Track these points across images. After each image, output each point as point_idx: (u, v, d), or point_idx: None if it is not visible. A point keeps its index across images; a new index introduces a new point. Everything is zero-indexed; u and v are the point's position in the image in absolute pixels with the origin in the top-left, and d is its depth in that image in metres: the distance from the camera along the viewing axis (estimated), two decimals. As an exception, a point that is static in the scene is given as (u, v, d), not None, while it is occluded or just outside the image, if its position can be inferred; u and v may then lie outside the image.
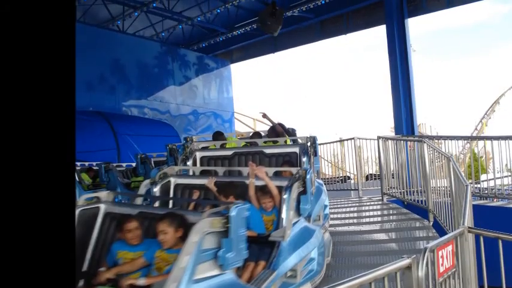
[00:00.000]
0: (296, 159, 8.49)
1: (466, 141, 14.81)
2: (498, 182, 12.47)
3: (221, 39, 30.07)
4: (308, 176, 6.61)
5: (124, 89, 25.50)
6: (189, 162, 8.86)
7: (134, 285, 4.58)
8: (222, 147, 9.75)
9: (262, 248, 5.69)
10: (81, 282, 5.07)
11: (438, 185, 11.15)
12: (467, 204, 6.66)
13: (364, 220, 11.60)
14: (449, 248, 5.20)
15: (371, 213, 12.38)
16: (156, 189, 7.17)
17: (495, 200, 12.55)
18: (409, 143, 13.40)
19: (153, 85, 27.10)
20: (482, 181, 14.14)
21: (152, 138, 22.43)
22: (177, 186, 7.44)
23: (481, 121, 52.32)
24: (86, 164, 16.58)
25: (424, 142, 11.21)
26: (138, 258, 4.87)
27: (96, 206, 5.63)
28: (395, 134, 21.95)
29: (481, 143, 17.93)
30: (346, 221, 11.56)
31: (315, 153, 8.81)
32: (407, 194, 12.67)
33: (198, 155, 9.08)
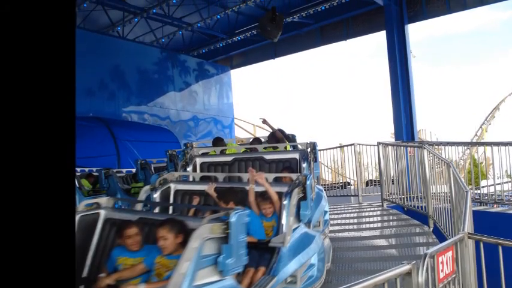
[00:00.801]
0: (296, 165, 8.48)
1: (466, 147, 14.80)
2: (498, 188, 12.46)
3: (221, 45, 30.13)
4: (308, 182, 6.61)
5: (124, 95, 25.55)
6: (189, 168, 8.86)
7: (134, 291, 4.58)
8: (222, 153, 9.75)
9: (262, 254, 5.69)
10: (81, 288, 5.07)
11: (438, 191, 11.15)
12: (467, 210, 6.66)
13: (364, 226, 11.60)
14: (449, 254, 5.20)
15: (371, 219, 12.38)
16: (156, 195, 7.17)
17: (495, 206, 12.54)
18: (409, 149, 13.41)
19: (153, 91, 27.14)
20: (482, 187, 14.14)
21: (152, 144, 22.40)
22: (177, 192, 7.44)
23: (481, 127, 52.32)
24: (86, 169, 16.54)
25: (424, 148, 11.21)
26: (138, 264, 4.87)
27: (96, 212, 5.63)
28: (396, 139, 21.97)
29: (481, 149, 17.91)
30: (346, 227, 11.55)
31: (315, 159, 8.81)
32: (407, 200, 12.67)
33: (198, 161, 9.08)
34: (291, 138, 10.58)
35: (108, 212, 5.68)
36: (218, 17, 25.99)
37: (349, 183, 18.97)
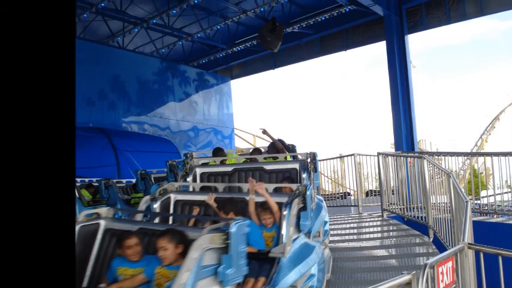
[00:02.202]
0: (296, 175, 8.48)
1: (466, 158, 14.81)
2: (498, 198, 12.47)
3: (221, 55, 30.15)
4: (308, 192, 6.60)
5: (124, 105, 25.52)
6: (189, 179, 8.86)
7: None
8: (222, 163, 9.75)
9: (262, 264, 5.68)
10: (81, 299, 5.06)
11: (438, 201, 11.16)
12: (467, 220, 6.66)
13: (364, 236, 11.59)
14: (449, 264, 5.20)
15: (371, 229, 12.37)
16: (156, 206, 7.17)
17: (495, 216, 12.54)
18: (409, 159, 13.41)
19: (153, 101, 27.11)
20: (482, 197, 14.13)
21: (152, 155, 22.45)
22: (177, 202, 7.44)
23: (481, 137, 52.43)
24: (86, 180, 16.54)
25: (424, 158, 11.22)
26: (138, 274, 4.87)
27: (96, 222, 5.63)
28: (396, 150, 21.98)
29: (481, 159, 17.91)
30: (346, 237, 11.55)
31: (315, 170, 8.80)
32: (407, 210, 12.67)
33: (198, 171, 9.09)
34: (291, 149, 10.60)
35: (108, 222, 5.68)
36: (218, 27, 25.98)
37: (349, 194, 18.96)
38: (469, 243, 5.99)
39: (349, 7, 23.74)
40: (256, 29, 24.78)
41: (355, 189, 16.30)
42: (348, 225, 13.08)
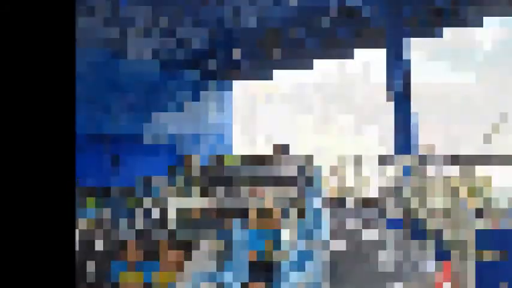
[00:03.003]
0: (296, 180, 8.47)
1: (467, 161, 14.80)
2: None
3: (221, 61, 30.10)
4: (309, 198, 6.59)
5: (122, 111, 25.46)
6: (190, 184, 8.85)
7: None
8: (223, 168, 9.75)
9: (263, 270, 5.67)
10: (81, 305, 5.05)
11: (439, 206, 11.15)
12: (468, 225, 6.65)
13: (364, 241, 11.57)
14: (450, 269, 5.21)
15: (371, 234, 12.35)
16: (157, 211, 7.16)
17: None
18: (409, 163, 13.40)
19: (152, 108, 27.05)
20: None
21: (152, 161, 22.37)
22: (178, 208, 7.43)
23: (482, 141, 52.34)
24: (85, 186, 16.51)
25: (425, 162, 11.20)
26: (138, 279, 4.86)
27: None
28: (396, 154, 21.95)
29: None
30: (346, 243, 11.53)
31: (316, 174, 8.80)
32: (407, 215, 12.66)
33: (199, 176, 9.08)
34: (291, 154, 10.60)
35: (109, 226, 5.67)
36: (218, 32, 25.98)
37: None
38: (470, 249, 6.00)
39: (348, 14, 23.75)
40: (256, 35, 24.74)
41: (356, 194, 16.28)
42: (347, 230, 13.05)
